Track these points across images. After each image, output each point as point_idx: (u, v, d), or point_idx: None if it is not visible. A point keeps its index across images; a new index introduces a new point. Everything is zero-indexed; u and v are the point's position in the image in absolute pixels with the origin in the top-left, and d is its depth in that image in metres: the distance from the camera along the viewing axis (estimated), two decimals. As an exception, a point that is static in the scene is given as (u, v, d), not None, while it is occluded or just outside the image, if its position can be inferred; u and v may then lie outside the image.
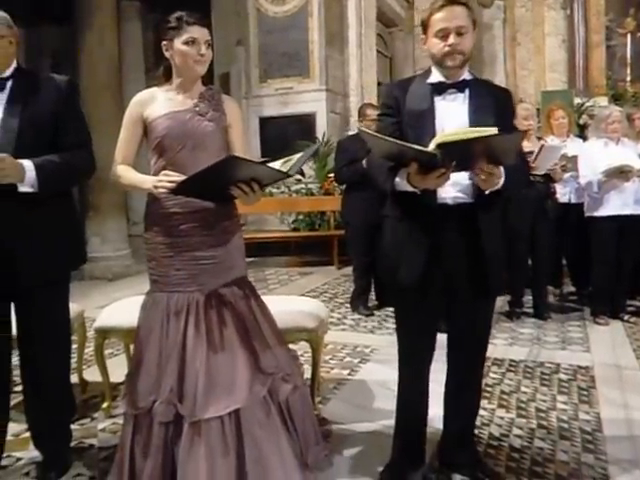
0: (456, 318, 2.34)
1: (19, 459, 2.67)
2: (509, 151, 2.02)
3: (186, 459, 2.14)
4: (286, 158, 2.11)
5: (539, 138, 4.93)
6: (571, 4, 11.70)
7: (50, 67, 9.92)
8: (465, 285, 2.23)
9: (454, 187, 2.15)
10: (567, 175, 4.92)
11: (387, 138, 2.02)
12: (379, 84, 9.97)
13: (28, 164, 2.22)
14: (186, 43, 2.23)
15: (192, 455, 2.14)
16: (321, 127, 8.59)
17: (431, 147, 1.94)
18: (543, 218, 4.83)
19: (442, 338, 2.37)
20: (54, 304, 2.47)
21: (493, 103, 2.20)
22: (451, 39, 2.12)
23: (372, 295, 5.39)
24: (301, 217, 8.26)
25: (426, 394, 2.41)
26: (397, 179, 2.14)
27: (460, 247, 2.20)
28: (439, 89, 2.21)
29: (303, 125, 8.56)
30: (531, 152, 4.67)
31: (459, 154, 1.94)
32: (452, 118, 2.16)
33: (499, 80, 11.96)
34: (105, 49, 7.54)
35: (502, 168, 2.07)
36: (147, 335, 2.31)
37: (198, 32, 2.24)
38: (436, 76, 2.23)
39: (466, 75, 2.24)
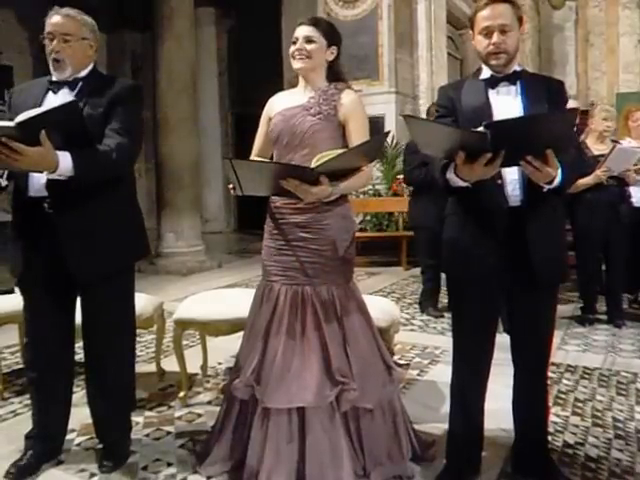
0: (515, 316, 2.33)
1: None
2: (563, 133, 1.96)
3: (256, 437, 2.30)
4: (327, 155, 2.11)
5: (614, 141, 4.76)
6: (647, 3, 11.32)
7: (131, 71, 10.31)
8: (519, 279, 2.21)
9: (515, 190, 2.16)
10: (642, 178, 4.76)
11: (432, 121, 2.03)
12: (450, 86, 9.86)
13: (63, 153, 2.14)
14: (292, 43, 2.39)
15: (261, 434, 2.29)
16: (390, 129, 8.57)
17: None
18: (617, 223, 4.69)
19: (506, 340, 2.38)
20: (113, 297, 2.49)
21: (545, 93, 2.19)
22: (494, 37, 2.13)
23: (441, 297, 5.35)
24: (368, 218, 8.27)
25: (482, 397, 2.38)
26: (448, 175, 2.12)
27: (511, 243, 2.17)
28: (492, 83, 2.21)
29: (372, 127, 8.46)
30: (602, 155, 4.52)
31: (509, 135, 1.86)
32: (507, 111, 2.15)
33: (570, 82, 11.63)
34: (183, 54, 7.74)
35: (558, 162, 1.96)
36: (249, 322, 2.47)
37: (299, 31, 2.38)
38: (487, 72, 2.24)
39: (516, 67, 2.23)
